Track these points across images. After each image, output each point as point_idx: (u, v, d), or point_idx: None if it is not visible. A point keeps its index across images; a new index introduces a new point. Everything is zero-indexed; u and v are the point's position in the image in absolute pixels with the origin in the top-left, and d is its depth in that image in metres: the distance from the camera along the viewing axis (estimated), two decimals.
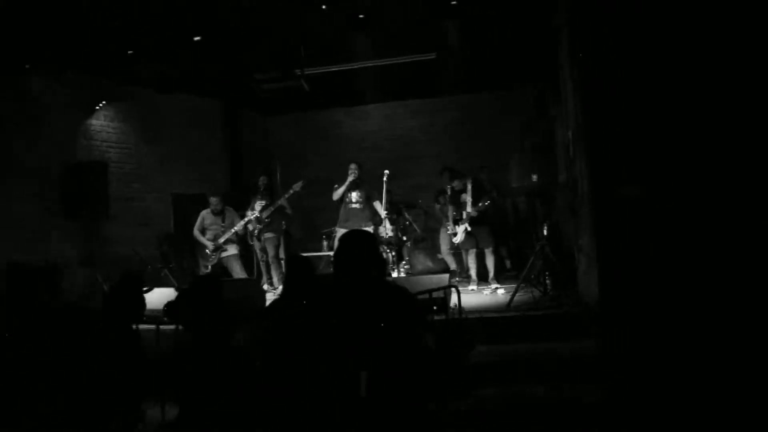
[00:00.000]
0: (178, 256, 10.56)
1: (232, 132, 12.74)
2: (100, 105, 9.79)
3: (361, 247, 3.68)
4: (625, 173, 5.68)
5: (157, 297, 8.19)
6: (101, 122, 9.96)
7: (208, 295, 4.72)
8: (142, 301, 4.89)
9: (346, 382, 3.32)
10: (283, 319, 4.38)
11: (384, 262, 4.18)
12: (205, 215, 9.52)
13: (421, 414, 3.52)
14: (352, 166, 9.59)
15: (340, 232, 9.42)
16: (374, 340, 3.33)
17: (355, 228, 9.01)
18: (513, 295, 7.43)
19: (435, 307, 6.81)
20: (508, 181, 8.40)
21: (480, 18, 8.92)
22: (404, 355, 3.38)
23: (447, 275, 7.34)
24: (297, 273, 4.70)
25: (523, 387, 6.01)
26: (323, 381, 3.47)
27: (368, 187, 9.65)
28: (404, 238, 11.46)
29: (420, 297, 6.34)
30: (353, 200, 9.58)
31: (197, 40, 7.15)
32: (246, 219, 9.58)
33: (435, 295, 6.64)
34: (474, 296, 8.56)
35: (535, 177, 7.74)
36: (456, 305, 7.10)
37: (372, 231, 9.41)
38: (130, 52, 7.91)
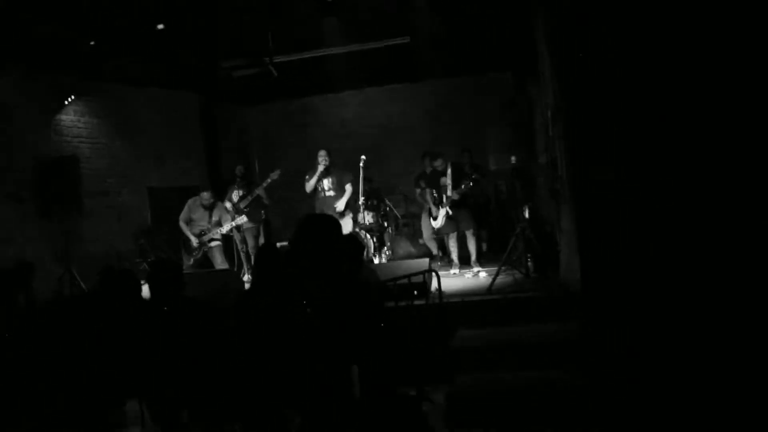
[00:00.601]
0: (155, 250, 10.39)
1: (209, 124, 12.55)
2: (69, 100, 9.58)
3: (321, 234, 3.61)
4: (604, 155, 5.59)
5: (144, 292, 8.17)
6: (71, 117, 9.76)
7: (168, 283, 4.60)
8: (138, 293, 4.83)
9: (317, 373, 3.26)
10: (252, 310, 4.26)
11: (342, 250, 4.02)
12: (193, 206, 9.30)
13: (393, 401, 3.47)
14: (322, 153, 9.33)
15: None
16: (335, 330, 3.26)
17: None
18: (494, 279, 7.35)
19: (415, 292, 6.71)
20: (488, 164, 8.31)
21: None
22: (365, 344, 3.32)
23: (427, 259, 7.24)
24: (266, 263, 4.59)
25: (504, 371, 5.94)
26: (293, 373, 3.41)
27: (340, 172, 9.41)
28: (385, 224, 11.37)
29: (399, 282, 6.27)
30: (326, 188, 9.33)
31: (161, 29, 6.92)
32: (233, 222, 9.26)
33: (415, 279, 6.54)
34: (456, 280, 8.48)
35: (513, 159, 7.65)
36: (437, 289, 7.05)
37: (351, 220, 9.33)
38: (92, 43, 7.68)
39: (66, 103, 9.60)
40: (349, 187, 9.29)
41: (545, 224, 9.29)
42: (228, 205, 10.11)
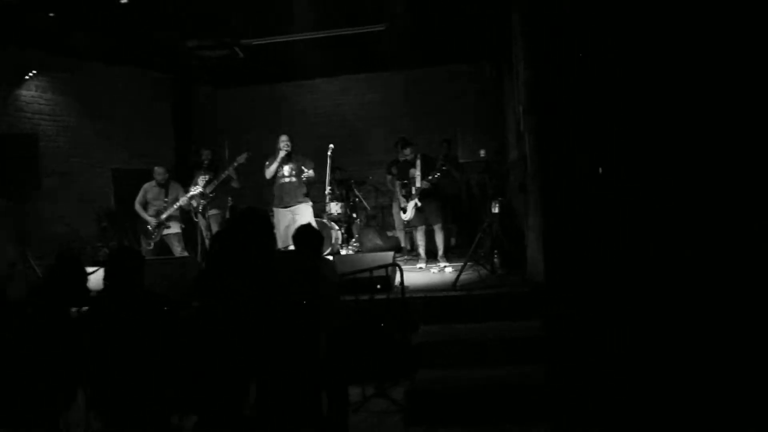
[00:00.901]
0: (119, 234, 10.12)
1: (181, 106, 12.27)
2: (30, 75, 9.26)
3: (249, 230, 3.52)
4: (572, 150, 5.48)
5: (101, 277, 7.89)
6: (32, 93, 9.43)
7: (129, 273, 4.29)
8: (83, 282, 4.41)
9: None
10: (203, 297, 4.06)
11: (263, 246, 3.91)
12: (148, 188, 9.10)
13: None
14: (283, 137, 8.87)
15: (278, 212, 8.87)
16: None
17: (292, 205, 8.69)
18: (459, 274, 7.21)
19: (378, 286, 6.57)
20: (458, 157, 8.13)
21: None
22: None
23: (391, 253, 7.08)
24: (218, 250, 4.39)
25: (467, 368, 5.82)
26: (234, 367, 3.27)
27: (302, 158, 8.92)
28: (354, 216, 11.20)
29: (360, 276, 6.12)
30: (285, 174, 8.84)
31: (124, 3, 6.64)
32: (190, 193, 9.07)
33: (378, 273, 6.39)
34: (422, 275, 8.34)
35: (483, 152, 7.50)
36: (400, 284, 6.90)
37: (311, 207, 8.90)
38: (51, 14, 7.37)
39: (27, 78, 9.27)
40: (311, 173, 8.81)
41: (515, 220, 9.18)
42: (193, 189, 9.88)
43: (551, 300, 5.78)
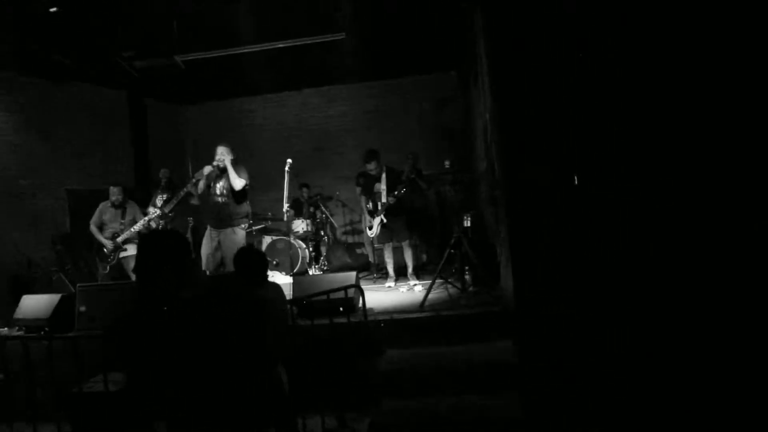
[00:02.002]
0: (74, 258, 9.64)
1: (137, 123, 11.80)
2: None
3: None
4: (539, 155, 5.16)
5: (35, 304, 7.42)
6: None
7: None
8: None
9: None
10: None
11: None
12: (104, 209, 8.63)
13: None
14: (220, 149, 7.74)
15: (208, 231, 7.92)
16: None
17: (221, 227, 7.75)
18: (427, 294, 6.83)
19: (341, 309, 6.17)
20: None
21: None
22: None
23: (354, 273, 6.68)
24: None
25: (435, 397, 5.43)
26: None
27: (238, 169, 7.71)
28: (322, 233, 10.82)
29: (316, 299, 5.74)
30: (217, 192, 7.76)
31: (54, 12, 6.17)
32: (148, 216, 8.56)
33: (340, 295, 6.00)
34: (390, 294, 7.94)
35: (447, 163, 7.14)
36: (362, 306, 6.52)
37: (242, 231, 7.86)
38: None
39: None
40: (236, 178, 7.59)
41: (487, 234, 8.83)
42: (151, 210, 9.45)
43: (522, 321, 5.44)
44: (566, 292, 5.27)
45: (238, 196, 7.74)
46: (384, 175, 8.38)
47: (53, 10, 6.10)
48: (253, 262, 4.42)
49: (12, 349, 6.03)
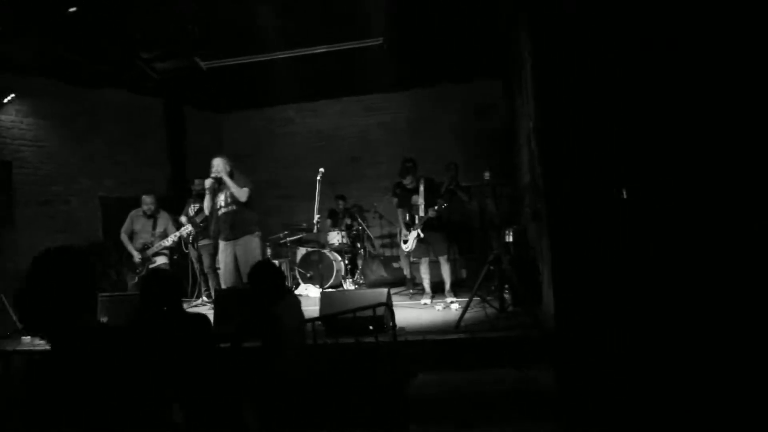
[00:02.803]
0: (105, 266, 9.45)
1: (174, 131, 11.65)
2: (9, 98, 8.66)
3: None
4: (583, 168, 4.76)
5: None
6: (12, 118, 8.82)
7: None
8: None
9: None
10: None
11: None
12: (135, 217, 8.44)
13: None
14: (215, 162, 7.46)
15: (221, 245, 7.54)
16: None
17: (231, 238, 7.39)
18: (462, 313, 6.39)
19: (370, 327, 5.81)
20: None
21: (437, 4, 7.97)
22: None
23: (385, 290, 6.30)
24: (153, 293, 3.68)
25: (466, 426, 5.00)
26: None
27: (238, 177, 7.48)
28: (358, 246, 10.48)
29: (341, 317, 5.39)
30: (222, 204, 7.48)
31: (74, 12, 5.93)
32: (178, 232, 8.33)
33: (369, 313, 5.63)
34: (425, 312, 7.52)
35: (487, 174, 6.72)
36: (393, 325, 6.14)
37: (257, 239, 7.52)
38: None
39: (6, 101, 8.68)
40: (236, 188, 7.32)
41: (530, 250, 8.37)
42: (183, 219, 9.25)
43: (563, 344, 5.01)
44: (612, 315, 4.86)
45: (244, 203, 7.39)
46: (422, 188, 8.00)
47: (72, 9, 5.88)
48: (267, 276, 4.08)
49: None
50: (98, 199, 10.05)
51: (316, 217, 8.09)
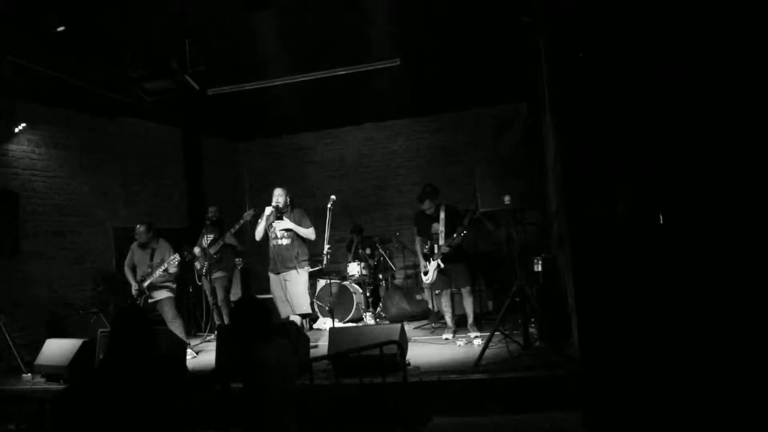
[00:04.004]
0: (116, 298, 9.12)
1: (192, 160, 11.39)
2: (20, 128, 8.45)
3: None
4: (608, 192, 4.32)
5: (57, 350, 6.88)
6: (23, 147, 8.61)
7: None
8: None
9: None
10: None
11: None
12: (135, 249, 8.13)
13: None
14: (276, 191, 7.72)
15: (271, 277, 7.70)
16: None
17: (282, 271, 7.52)
18: (482, 351, 5.88)
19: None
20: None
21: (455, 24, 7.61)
22: None
23: (398, 326, 5.85)
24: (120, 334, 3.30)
25: None
26: None
27: (298, 213, 7.69)
28: (380, 277, 10.04)
29: (351, 355, 4.95)
30: (278, 235, 7.61)
31: (60, 31, 5.64)
32: (167, 263, 7.76)
33: (385, 351, 5.16)
34: (445, 348, 7.02)
35: (507, 199, 6.24)
36: (409, 362, 5.70)
37: (306, 273, 7.64)
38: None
39: (16, 131, 8.47)
40: (305, 231, 7.57)
41: (560, 281, 7.85)
42: (197, 250, 8.91)
43: (589, 387, 4.51)
44: (644, 353, 4.37)
45: (300, 237, 7.62)
46: (442, 215, 7.56)
47: (61, 29, 5.60)
48: (248, 315, 3.66)
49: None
50: (112, 230, 9.76)
51: (326, 247, 7.66)
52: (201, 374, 5.01)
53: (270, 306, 3.87)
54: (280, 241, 7.58)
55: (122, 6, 5.73)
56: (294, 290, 7.39)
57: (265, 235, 7.67)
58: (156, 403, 3.11)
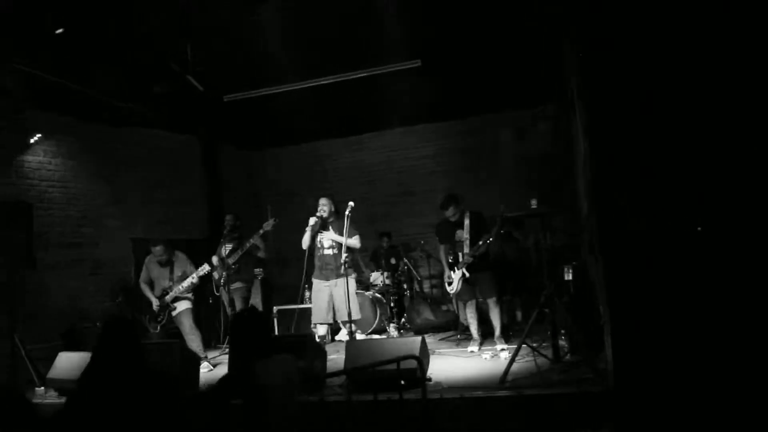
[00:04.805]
0: (134, 311, 8.92)
1: (211, 169, 11.20)
2: (36, 138, 8.31)
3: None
4: (644, 197, 3.99)
5: (68, 363, 6.66)
6: (39, 158, 8.46)
7: None
8: None
9: None
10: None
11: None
12: (150, 265, 7.97)
13: None
14: (321, 201, 7.82)
15: (316, 284, 7.84)
16: None
17: (331, 278, 7.66)
18: (509, 365, 5.52)
19: (402, 382, 5.02)
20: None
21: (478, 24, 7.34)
22: None
23: (419, 339, 5.53)
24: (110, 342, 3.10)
25: None
26: None
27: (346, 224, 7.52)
28: (405, 287, 9.74)
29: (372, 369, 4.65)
30: (325, 246, 7.78)
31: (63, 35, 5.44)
32: (196, 274, 7.71)
33: (403, 365, 4.84)
34: (470, 361, 6.68)
35: (534, 202, 5.88)
36: (430, 378, 5.38)
37: (353, 281, 7.75)
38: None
39: (32, 141, 8.32)
40: (353, 241, 7.62)
41: (594, 291, 7.46)
42: (215, 260, 8.66)
43: (624, 406, 4.16)
44: (683, 369, 4.02)
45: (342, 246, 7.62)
46: (467, 221, 7.23)
47: (59, 31, 5.41)
48: (248, 329, 3.37)
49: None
50: (130, 240, 9.59)
51: (344, 256, 7.40)
52: (201, 391, 4.77)
53: (267, 319, 3.57)
54: (326, 251, 7.73)
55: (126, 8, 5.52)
56: (343, 298, 7.37)
57: (312, 246, 7.78)
58: (142, 421, 2.89)
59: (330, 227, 7.77)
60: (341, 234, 7.52)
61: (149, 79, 5.67)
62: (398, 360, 4.47)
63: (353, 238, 7.59)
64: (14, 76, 6.74)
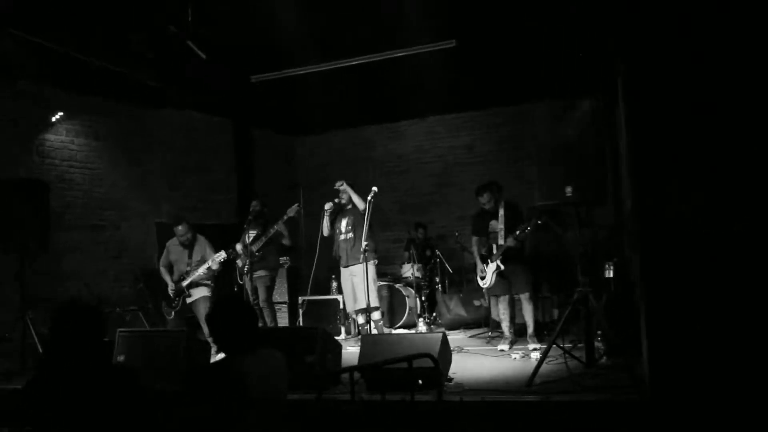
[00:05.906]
0: (156, 296, 8.66)
1: (243, 154, 10.90)
2: (57, 117, 8.09)
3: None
4: (687, 190, 3.55)
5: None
6: (62, 138, 8.25)
7: None
8: None
9: None
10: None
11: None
12: (171, 247, 7.71)
13: None
14: (337, 184, 7.75)
15: (342, 272, 7.75)
16: None
17: (350, 264, 7.49)
18: (537, 367, 5.03)
19: (420, 381, 4.61)
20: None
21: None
22: None
23: (440, 336, 5.11)
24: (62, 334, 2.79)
25: None
26: None
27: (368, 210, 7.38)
28: (436, 280, 9.32)
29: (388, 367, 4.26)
30: (342, 231, 7.67)
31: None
32: (211, 260, 7.34)
33: (418, 363, 4.41)
34: (498, 361, 6.21)
35: (569, 190, 5.38)
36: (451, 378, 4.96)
37: (373, 266, 7.50)
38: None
39: (54, 120, 8.11)
40: (361, 203, 7.46)
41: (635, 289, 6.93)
42: (239, 247, 8.33)
43: (661, 417, 3.71)
44: (725, 377, 3.57)
45: (368, 231, 7.38)
46: (502, 211, 6.79)
47: None
48: (228, 319, 3.01)
49: None
50: (155, 225, 9.33)
51: (364, 244, 7.05)
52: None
53: (251, 310, 3.17)
54: (346, 236, 7.61)
55: None
56: (360, 286, 7.30)
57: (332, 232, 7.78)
58: (94, 416, 2.58)
59: (347, 215, 7.66)
60: (362, 220, 7.26)
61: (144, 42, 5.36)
62: (410, 358, 4.04)
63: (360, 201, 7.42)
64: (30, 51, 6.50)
